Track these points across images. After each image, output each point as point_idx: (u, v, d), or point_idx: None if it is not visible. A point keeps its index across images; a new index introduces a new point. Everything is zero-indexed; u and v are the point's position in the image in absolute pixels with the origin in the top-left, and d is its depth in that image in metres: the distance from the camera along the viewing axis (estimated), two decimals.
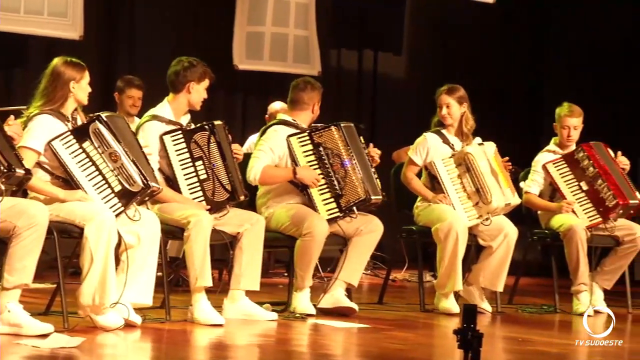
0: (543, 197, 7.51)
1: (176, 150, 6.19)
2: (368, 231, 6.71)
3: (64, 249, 5.67)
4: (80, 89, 5.66)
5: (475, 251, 7.22)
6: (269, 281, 8.35)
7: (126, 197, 5.59)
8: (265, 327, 6.07)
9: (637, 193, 7.45)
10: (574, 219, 7.30)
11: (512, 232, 7.00)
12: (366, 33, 11.22)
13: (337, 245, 6.76)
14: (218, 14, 10.26)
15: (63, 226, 5.52)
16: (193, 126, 6.29)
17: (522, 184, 7.55)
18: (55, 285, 5.93)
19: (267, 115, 8.67)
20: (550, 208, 7.42)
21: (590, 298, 7.23)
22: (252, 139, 8.47)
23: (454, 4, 10.70)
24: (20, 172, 5.20)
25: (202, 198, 6.19)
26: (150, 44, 9.77)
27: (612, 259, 7.43)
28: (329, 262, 8.08)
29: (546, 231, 7.45)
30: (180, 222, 6.01)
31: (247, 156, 6.72)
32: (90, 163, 5.57)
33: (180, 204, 6.09)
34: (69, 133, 5.57)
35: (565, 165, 7.44)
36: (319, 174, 6.66)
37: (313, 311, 6.50)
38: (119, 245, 5.59)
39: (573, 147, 7.50)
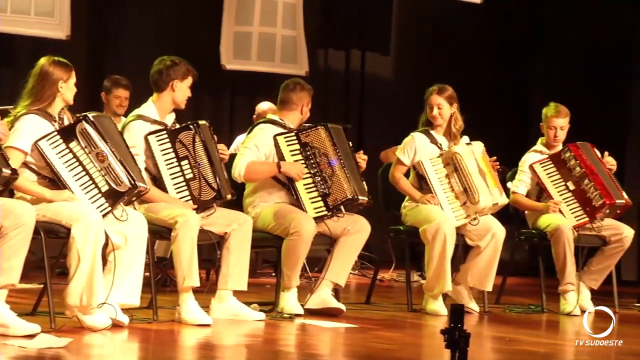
0: (530, 197, 7.53)
1: (161, 150, 6.18)
2: (355, 231, 6.71)
3: (50, 249, 5.65)
4: (68, 88, 5.65)
5: (462, 251, 7.22)
6: (256, 281, 8.34)
7: (113, 197, 5.58)
8: (252, 327, 6.07)
9: (623, 193, 7.48)
10: (561, 218, 7.32)
11: (499, 231, 7.01)
12: (354, 33, 11.22)
13: (325, 245, 6.76)
14: (205, 14, 10.24)
15: (50, 226, 5.51)
16: (178, 126, 6.28)
17: (509, 184, 7.57)
18: (42, 286, 5.92)
19: (254, 116, 8.67)
20: (538, 208, 7.44)
21: (577, 298, 7.25)
22: (240, 139, 8.46)
23: (442, 4, 10.71)
24: (6, 172, 5.19)
25: (189, 197, 6.18)
26: (137, 44, 9.75)
27: (599, 259, 7.45)
28: (317, 262, 8.08)
29: (533, 231, 7.47)
30: (167, 222, 6.01)
31: (234, 156, 6.72)
32: (77, 163, 5.56)
33: (167, 204, 6.09)
34: (55, 133, 5.56)
35: (552, 165, 7.45)
36: (306, 173, 6.67)
37: (301, 311, 6.50)
38: (106, 245, 5.58)
39: (560, 147, 7.52)
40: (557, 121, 7.45)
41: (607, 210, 7.38)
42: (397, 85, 11.34)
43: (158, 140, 6.19)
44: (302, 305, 6.56)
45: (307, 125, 6.85)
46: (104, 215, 5.55)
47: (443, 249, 6.81)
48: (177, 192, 6.18)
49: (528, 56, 11.33)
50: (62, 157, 5.55)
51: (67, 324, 5.47)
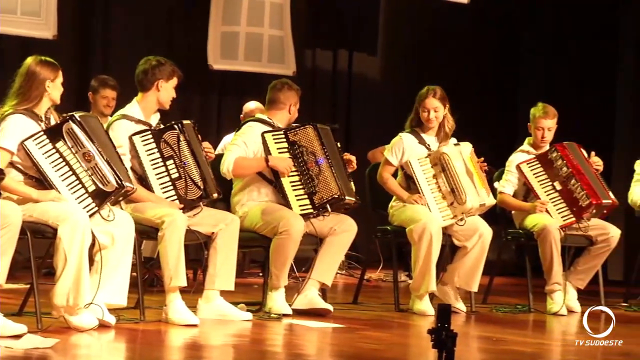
0: (517, 197, 7.54)
1: (146, 151, 6.18)
2: (342, 231, 6.71)
3: (37, 249, 5.64)
4: (55, 88, 5.63)
5: (450, 251, 7.23)
6: (243, 281, 8.34)
7: (100, 197, 5.57)
8: (239, 327, 6.06)
9: (610, 193, 7.50)
10: (548, 218, 7.33)
11: (486, 232, 7.02)
12: (341, 33, 11.23)
13: (312, 245, 6.76)
14: (193, 14, 10.24)
15: (36, 226, 5.50)
16: (162, 126, 6.28)
17: (496, 184, 7.58)
18: (28, 286, 5.90)
19: (242, 115, 8.67)
20: (524, 208, 7.45)
21: (563, 297, 7.27)
22: (227, 138, 8.46)
23: (429, 4, 10.71)
24: None
25: (175, 197, 6.18)
26: (124, 43, 9.74)
27: (586, 259, 7.47)
28: (304, 262, 8.08)
29: (520, 231, 7.48)
30: (154, 222, 6.00)
31: (221, 156, 6.72)
32: (63, 163, 5.55)
33: (154, 204, 6.08)
34: (42, 133, 5.55)
35: (539, 165, 7.47)
36: (294, 171, 6.67)
37: (289, 311, 6.50)
38: (93, 245, 5.57)
39: (547, 147, 7.53)
40: (545, 122, 7.47)
41: (594, 210, 7.40)
42: (384, 85, 11.35)
43: (143, 141, 6.18)
44: (290, 305, 6.56)
45: (295, 124, 6.86)
46: (90, 215, 5.54)
47: (429, 249, 6.81)
48: (163, 192, 6.18)
49: (515, 56, 11.34)
50: (48, 157, 5.54)
51: (53, 324, 5.46)
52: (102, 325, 5.55)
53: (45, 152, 5.53)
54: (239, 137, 6.72)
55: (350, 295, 7.52)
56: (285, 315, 6.45)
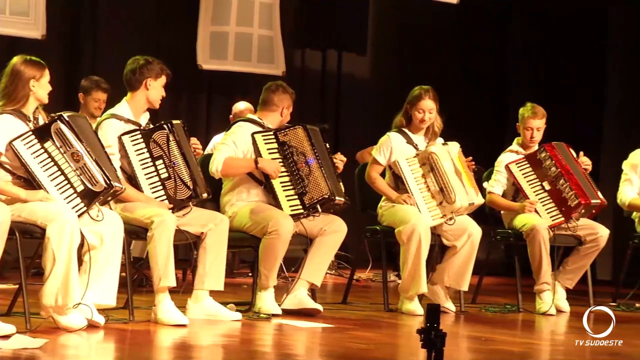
0: (506, 197, 7.55)
1: (136, 150, 6.17)
2: (331, 231, 6.71)
3: (26, 250, 5.63)
4: (41, 87, 5.61)
5: (439, 251, 7.23)
6: (233, 281, 8.33)
7: (89, 197, 5.56)
8: (229, 327, 6.06)
9: (598, 193, 7.51)
10: (537, 218, 7.34)
11: (476, 231, 7.03)
12: (330, 33, 11.22)
13: (301, 245, 6.77)
14: (182, 14, 10.22)
15: (25, 226, 5.49)
16: (152, 126, 6.27)
17: (485, 184, 7.59)
18: (17, 286, 5.90)
19: (231, 115, 8.66)
20: (513, 208, 7.46)
21: (552, 297, 7.28)
22: (216, 139, 8.45)
23: (418, 4, 10.72)
24: None
25: (165, 197, 6.17)
26: (113, 43, 9.72)
27: (575, 259, 7.48)
28: (293, 262, 8.08)
29: (509, 231, 7.49)
30: (143, 222, 5.99)
31: (210, 156, 6.71)
32: (52, 163, 5.54)
33: (143, 204, 6.07)
34: (30, 133, 5.54)
35: (528, 165, 7.48)
36: (284, 171, 6.67)
37: (278, 311, 6.50)
38: (81, 245, 5.56)
39: (536, 147, 7.54)
40: (534, 122, 7.48)
41: (583, 210, 7.41)
42: (373, 85, 11.35)
43: (132, 141, 6.17)
44: (279, 305, 6.56)
45: (285, 125, 6.86)
46: (79, 215, 5.53)
47: (418, 250, 6.82)
48: (153, 192, 6.17)
49: (504, 56, 11.35)
50: (37, 157, 5.53)
51: (42, 324, 5.44)
52: (91, 326, 5.54)
53: (34, 152, 5.52)
54: (229, 136, 6.72)
55: (339, 295, 7.52)
56: (274, 315, 6.45)
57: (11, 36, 8.96)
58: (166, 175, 6.19)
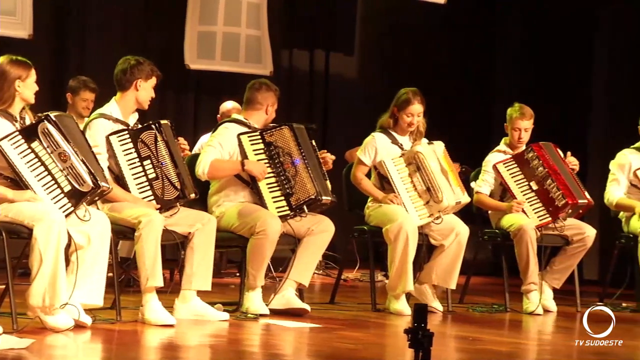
0: (494, 197, 7.56)
1: (123, 150, 6.16)
2: (319, 231, 6.71)
3: (12, 250, 5.61)
4: (27, 87, 5.60)
5: (426, 251, 7.24)
6: (220, 281, 8.33)
7: (76, 197, 5.55)
8: (216, 327, 6.06)
9: (586, 193, 7.52)
10: (524, 218, 7.35)
11: (463, 230, 7.04)
12: (318, 33, 11.23)
13: (289, 245, 6.76)
14: (169, 14, 10.21)
15: (12, 227, 5.47)
16: (140, 126, 6.26)
17: (472, 184, 7.60)
18: (4, 287, 5.87)
19: (219, 115, 8.66)
20: (501, 208, 7.47)
21: (539, 297, 7.29)
22: (204, 139, 8.45)
23: (406, 4, 10.73)
24: None
25: (152, 197, 6.16)
26: (100, 43, 9.70)
27: (562, 258, 7.49)
28: (281, 262, 8.08)
29: (496, 231, 7.50)
30: (131, 222, 5.98)
31: (198, 156, 6.70)
32: (39, 163, 5.53)
33: (130, 204, 6.06)
34: (17, 133, 5.52)
35: (515, 165, 7.49)
36: (270, 172, 6.66)
37: (266, 311, 6.49)
38: (68, 245, 5.55)
39: (523, 147, 7.55)
40: (522, 123, 7.49)
41: (570, 210, 7.42)
42: (361, 85, 11.36)
43: (120, 141, 6.16)
44: (267, 305, 6.55)
45: (271, 125, 6.85)
46: (66, 215, 5.52)
47: (405, 249, 6.83)
48: (140, 192, 6.16)
49: (491, 57, 11.37)
50: (24, 157, 5.51)
51: (29, 324, 5.43)
52: (78, 326, 5.53)
53: (21, 152, 5.51)
54: (215, 138, 6.72)
55: (327, 295, 7.52)
56: (262, 315, 6.45)
57: None
58: (154, 175, 6.18)
